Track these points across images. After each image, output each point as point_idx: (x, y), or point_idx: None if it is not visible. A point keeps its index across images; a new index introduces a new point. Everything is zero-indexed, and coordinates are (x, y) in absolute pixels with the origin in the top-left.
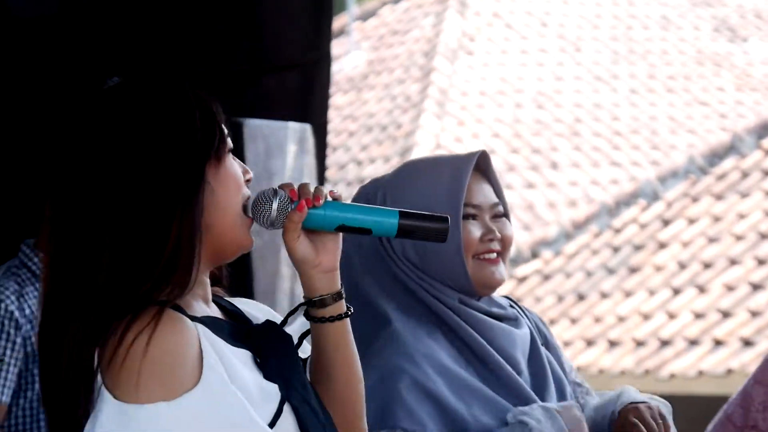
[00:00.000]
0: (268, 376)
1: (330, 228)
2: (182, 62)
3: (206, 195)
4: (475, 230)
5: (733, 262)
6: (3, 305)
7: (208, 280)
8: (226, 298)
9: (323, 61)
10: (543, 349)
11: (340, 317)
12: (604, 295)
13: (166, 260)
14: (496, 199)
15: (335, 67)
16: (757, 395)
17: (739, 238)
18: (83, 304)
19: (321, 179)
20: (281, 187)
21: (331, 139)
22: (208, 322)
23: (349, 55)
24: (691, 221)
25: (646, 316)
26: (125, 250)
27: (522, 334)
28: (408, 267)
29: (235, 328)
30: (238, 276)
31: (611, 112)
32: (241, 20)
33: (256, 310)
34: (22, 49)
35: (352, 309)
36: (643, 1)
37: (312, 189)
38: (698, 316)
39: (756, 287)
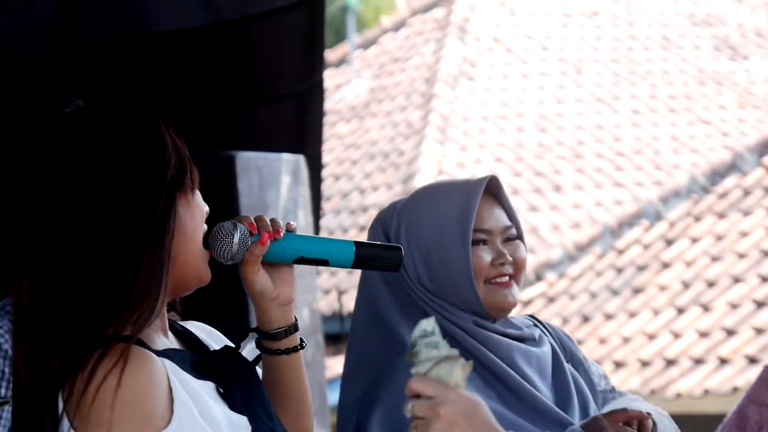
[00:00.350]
0: (233, 407)
1: (288, 260)
2: (176, 97)
3: (175, 224)
4: (486, 255)
5: (737, 280)
6: None
7: (165, 311)
8: (179, 323)
9: (316, 90)
10: (567, 366)
11: (295, 349)
12: (608, 317)
13: (137, 289)
14: (508, 222)
15: (337, 96)
16: (753, 415)
17: (742, 256)
18: (56, 336)
19: (316, 209)
20: (239, 220)
21: (334, 167)
22: (171, 355)
23: (350, 84)
24: (694, 240)
25: (651, 336)
26: (98, 279)
27: (542, 353)
28: (422, 291)
29: (196, 359)
30: (233, 293)
31: (613, 133)
32: (233, 53)
33: (208, 336)
34: (19, 88)
35: (305, 342)
36: (643, 21)
37: (268, 222)
38: (703, 335)
39: (760, 305)
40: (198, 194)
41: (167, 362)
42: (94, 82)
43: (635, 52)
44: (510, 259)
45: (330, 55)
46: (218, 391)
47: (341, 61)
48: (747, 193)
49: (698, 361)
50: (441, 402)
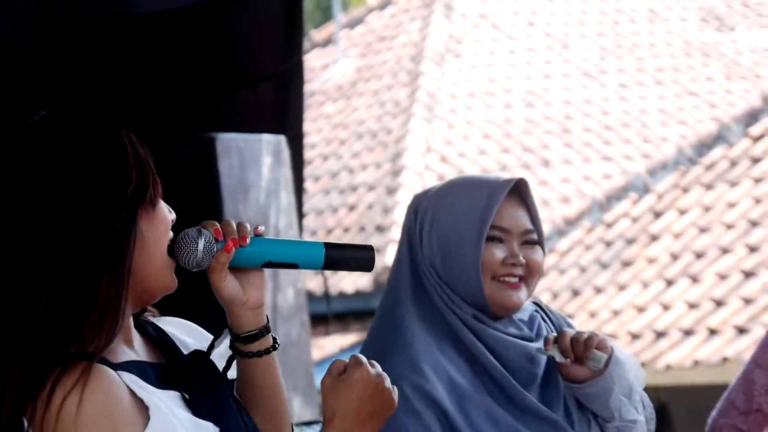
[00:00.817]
0: (199, 415)
1: (257, 265)
2: (157, 79)
3: (137, 240)
4: (498, 252)
5: (725, 251)
6: None
7: (131, 322)
8: (152, 320)
9: (297, 71)
10: None
11: (267, 351)
12: (598, 290)
13: (98, 308)
14: (529, 226)
15: (324, 76)
16: (759, 379)
17: (729, 227)
18: (15, 355)
19: (298, 190)
20: (204, 226)
21: (322, 147)
22: (129, 368)
23: (337, 64)
24: (682, 212)
25: (641, 309)
26: (58, 297)
27: (536, 348)
28: (434, 276)
29: (159, 369)
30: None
31: (601, 107)
32: (214, 34)
33: (183, 333)
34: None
35: (279, 343)
36: None
37: (234, 227)
38: (692, 306)
39: (748, 275)
40: (161, 205)
41: (126, 375)
42: (75, 66)
43: (621, 25)
44: (523, 261)
45: (316, 35)
46: (183, 399)
47: (328, 41)
48: (734, 163)
49: (688, 333)
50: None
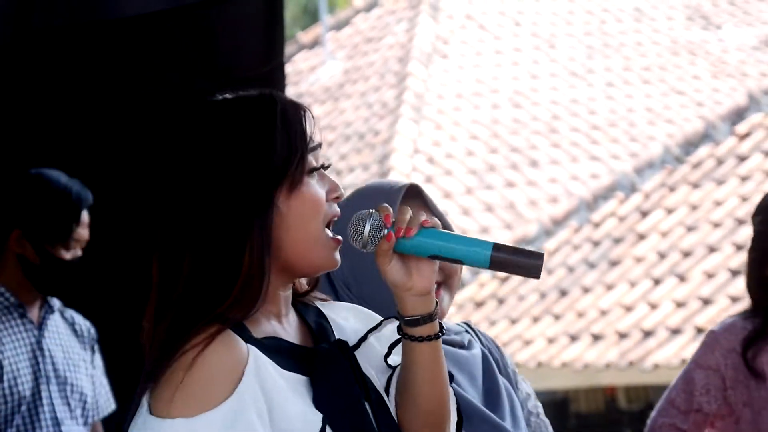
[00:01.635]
0: (318, 404)
1: (423, 254)
2: (137, 83)
3: (276, 219)
4: None
5: (712, 249)
6: None
7: (284, 295)
8: (318, 304)
9: (278, 73)
10: (497, 371)
11: (429, 338)
12: (585, 290)
13: (241, 282)
14: None
15: (311, 78)
16: (699, 379)
17: (716, 225)
18: (161, 316)
19: None
20: (378, 209)
21: None
22: (266, 343)
23: (324, 66)
24: (669, 211)
25: (628, 308)
26: (200, 267)
27: (471, 356)
28: (346, 292)
29: (295, 351)
30: None
31: (588, 106)
32: (193, 37)
33: (351, 317)
34: None
35: (444, 331)
36: None
37: (407, 217)
38: (679, 305)
39: (735, 273)
40: (311, 186)
41: (253, 350)
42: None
43: (608, 24)
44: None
45: (303, 37)
46: (309, 384)
47: (314, 43)
48: (720, 162)
49: (675, 332)
50: None
